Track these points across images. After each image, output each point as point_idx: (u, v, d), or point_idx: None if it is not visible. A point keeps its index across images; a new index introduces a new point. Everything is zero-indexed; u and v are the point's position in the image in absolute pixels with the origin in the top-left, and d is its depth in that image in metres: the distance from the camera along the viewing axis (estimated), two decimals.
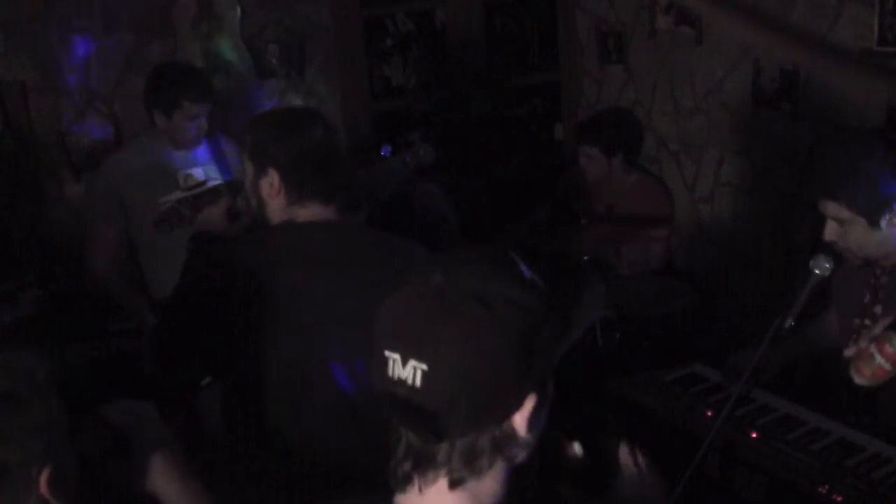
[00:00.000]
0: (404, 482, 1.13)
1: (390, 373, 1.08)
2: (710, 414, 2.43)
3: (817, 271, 2.16)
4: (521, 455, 1.14)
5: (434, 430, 1.08)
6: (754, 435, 2.34)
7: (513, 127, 4.68)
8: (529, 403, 1.10)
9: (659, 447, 1.71)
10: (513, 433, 1.11)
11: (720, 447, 2.30)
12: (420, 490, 1.12)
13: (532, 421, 1.11)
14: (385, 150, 2.93)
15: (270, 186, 2.10)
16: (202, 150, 3.26)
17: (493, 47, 4.53)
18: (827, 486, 2.11)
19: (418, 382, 1.06)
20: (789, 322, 2.13)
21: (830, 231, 2.35)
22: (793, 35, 3.40)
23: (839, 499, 2.08)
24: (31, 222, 3.62)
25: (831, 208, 2.34)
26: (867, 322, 2.48)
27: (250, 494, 2.12)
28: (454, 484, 1.11)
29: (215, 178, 3.26)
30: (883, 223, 2.28)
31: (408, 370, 1.07)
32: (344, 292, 2.07)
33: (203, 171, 3.25)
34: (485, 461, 1.10)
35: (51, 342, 2.87)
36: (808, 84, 3.43)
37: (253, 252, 2.10)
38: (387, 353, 1.09)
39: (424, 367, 1.06)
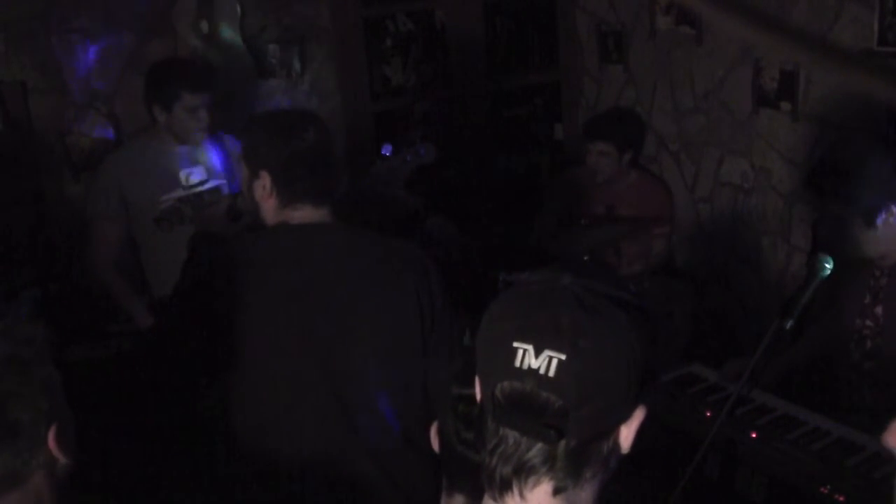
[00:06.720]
0: (503, 487, 1.10)
1: (518, 363, 1.05)
2: (708, 414, 2.43)
3: (817, 271, 2.16)
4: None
5: (556, 426, 1.05)
6: (754, 435, 2.34)
7: (513, 127, 4.68)
8: (639, 416, 1.10)
9: (658, 448, 1.71)
10: (617, 446, 1.10)
11: (720, 447, 2.30)
12: (521, 495, 1.09)
13: (633, 437, 1.10)
14: (386, 150, 2.92)
15: (263, 189, 2.12)
16: (204, 150, 3.25)
17: (493, 47, 4.52)
18: (828, 486, 2.11)
19: (552, 372, 1.03)
20: (789, 323, 2.14)
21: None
22: (793, 35, 3.40)
23: (841, 498, 2.08)
24: (31, 222, 3.61)
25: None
26: (868, 323, 2.48)
27: (249, 494, 2.12)
28: (557, 491, 1.09)
29: (216, 178, 3.26)
30: (879, 223, 2.29)
31: (541, 360, 1.04)
32: (340, 293, 2.07)
33: (204, 170, 3.24)
34: (589, 471, 1.09)
35: (50, 342, 2.86)
36: (808, 84, 3.43)
37: (251, 252, 2.11)
38: (516, 344, 1.06)
39: (562, 356, 1.03)
